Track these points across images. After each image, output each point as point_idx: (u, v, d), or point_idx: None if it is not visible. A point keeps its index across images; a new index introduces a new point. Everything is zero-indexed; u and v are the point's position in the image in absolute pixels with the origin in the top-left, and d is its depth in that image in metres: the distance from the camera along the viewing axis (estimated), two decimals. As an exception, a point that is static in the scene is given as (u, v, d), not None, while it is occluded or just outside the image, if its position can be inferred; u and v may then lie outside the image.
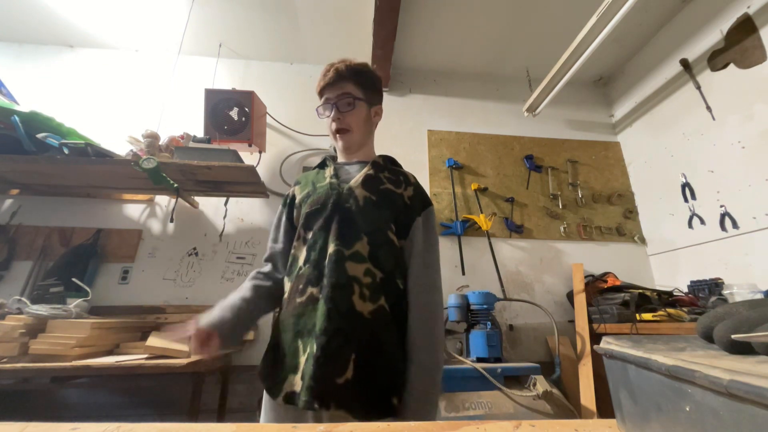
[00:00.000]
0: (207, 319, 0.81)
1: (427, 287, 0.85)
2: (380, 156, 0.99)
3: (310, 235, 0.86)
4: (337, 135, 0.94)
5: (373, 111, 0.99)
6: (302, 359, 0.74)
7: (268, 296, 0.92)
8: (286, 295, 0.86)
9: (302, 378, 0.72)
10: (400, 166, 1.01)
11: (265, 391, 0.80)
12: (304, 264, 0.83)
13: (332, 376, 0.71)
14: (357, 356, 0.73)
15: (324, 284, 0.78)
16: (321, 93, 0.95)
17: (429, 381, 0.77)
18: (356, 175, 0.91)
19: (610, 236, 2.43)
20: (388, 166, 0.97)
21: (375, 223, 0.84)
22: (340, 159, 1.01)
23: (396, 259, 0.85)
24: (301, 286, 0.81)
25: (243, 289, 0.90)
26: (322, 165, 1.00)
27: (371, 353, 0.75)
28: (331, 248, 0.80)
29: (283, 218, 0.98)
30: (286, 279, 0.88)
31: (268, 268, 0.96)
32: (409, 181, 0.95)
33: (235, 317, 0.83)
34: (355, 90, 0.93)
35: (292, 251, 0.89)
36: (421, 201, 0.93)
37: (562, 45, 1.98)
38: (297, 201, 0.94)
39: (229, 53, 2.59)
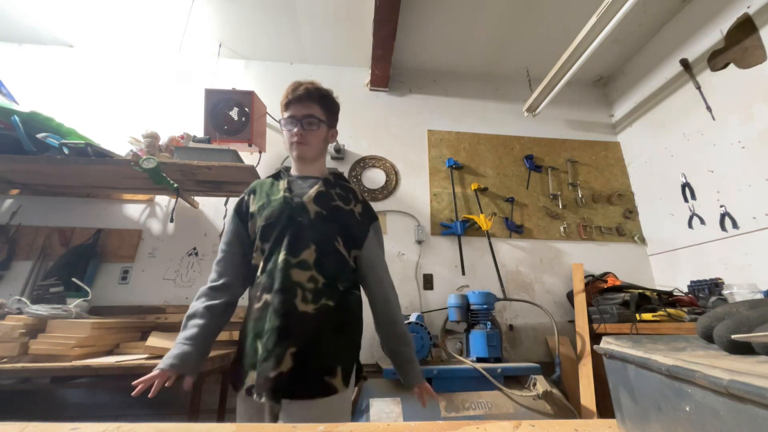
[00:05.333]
0: (169, 360, 0.86)
1: (389, 284, 1.06)
2: (330, 173, 1.08)
3: (267, 246, 0.95)
4: (294, 145, 1.01)
5: (331, 133, 1.09)
6: (259, 358, 0.86)
7: (222, 313, 0.97)
8: (249, 303, 0.97)
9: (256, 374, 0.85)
10: (348, 182, 1.11)
11: (230, 385, 0.93)
12: (261, 273, 0.94)
13: (270, 370, 0.83)
14: (297, 350, 0.84)
15: (274, 289, 0.89)
16: (287, 106, 1.02)
17: (408, 349, 1.02)
18: (309, 191, 1.00)
19: (610, 236, 2.43)
20: (338, 182, 1.07)
21: (323, 235, 0.95)
22: (294, 171, 1.08)
23: (339, 266, 0.96)
24: (258, 293, 0.92)
25: (197, 314, 0.93)
26: (277, 176, 1.07)
27: (311, 345, 0.86)
28: (280, 257, 0.91)
29: (238, 226, 1.02)
30: (249, 288, 1.00)
31: (219, 280, 0.98)
32: (357, 198, 1.07)
33: (197, 350, 0.89)
34: (319, 112, 1.03)
35: (253, 261, 0.98)
36: (370, 216, 1.07)
37: (562, 45, 1.98)
38: (251, 211, 1.01)
39: (229, 53, 2.59)
